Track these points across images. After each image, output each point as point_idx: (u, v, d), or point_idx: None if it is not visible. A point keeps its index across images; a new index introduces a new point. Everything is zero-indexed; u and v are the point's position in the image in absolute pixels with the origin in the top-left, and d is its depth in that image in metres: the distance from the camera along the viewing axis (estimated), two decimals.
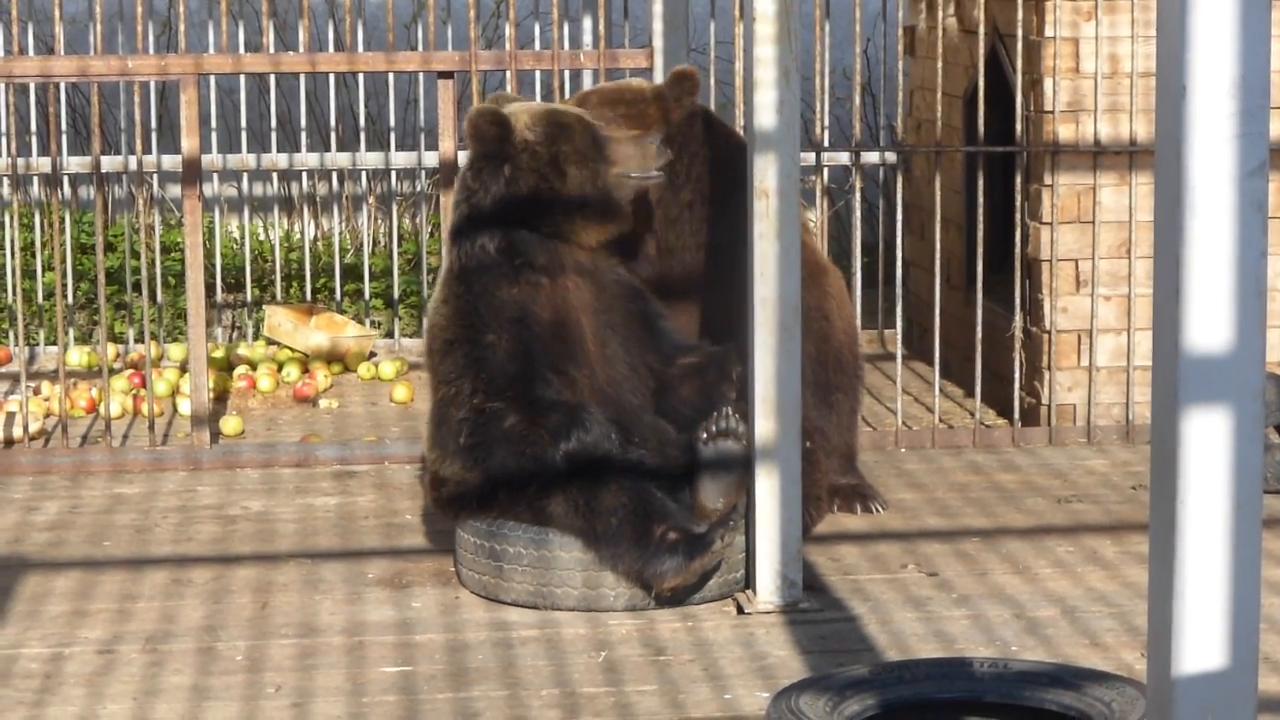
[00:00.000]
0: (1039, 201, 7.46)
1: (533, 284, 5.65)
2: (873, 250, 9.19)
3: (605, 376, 5.69)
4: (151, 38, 9.24)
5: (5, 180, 9.64)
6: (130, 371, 8.37)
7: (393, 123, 9.90)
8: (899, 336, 7.95)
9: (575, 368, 5.63)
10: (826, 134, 8.11)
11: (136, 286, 9.64)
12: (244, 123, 9.85)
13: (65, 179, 9.96)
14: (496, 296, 5.62)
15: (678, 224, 6.29)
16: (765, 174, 5.43)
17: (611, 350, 5.73)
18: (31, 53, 9.71)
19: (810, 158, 7.99)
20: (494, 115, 5.64)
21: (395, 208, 9.98)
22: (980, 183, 7.46)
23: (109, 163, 9.45)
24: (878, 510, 6.45)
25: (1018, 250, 7.53)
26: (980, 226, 7.46)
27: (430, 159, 9.56)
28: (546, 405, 5.51)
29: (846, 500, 6.45)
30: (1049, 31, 7.35)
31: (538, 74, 9.56)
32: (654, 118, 6.22)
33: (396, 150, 9.88)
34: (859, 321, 7.08)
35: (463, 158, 7.81)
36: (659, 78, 7.57)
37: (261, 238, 10.70)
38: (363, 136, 10.04)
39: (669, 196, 6.24)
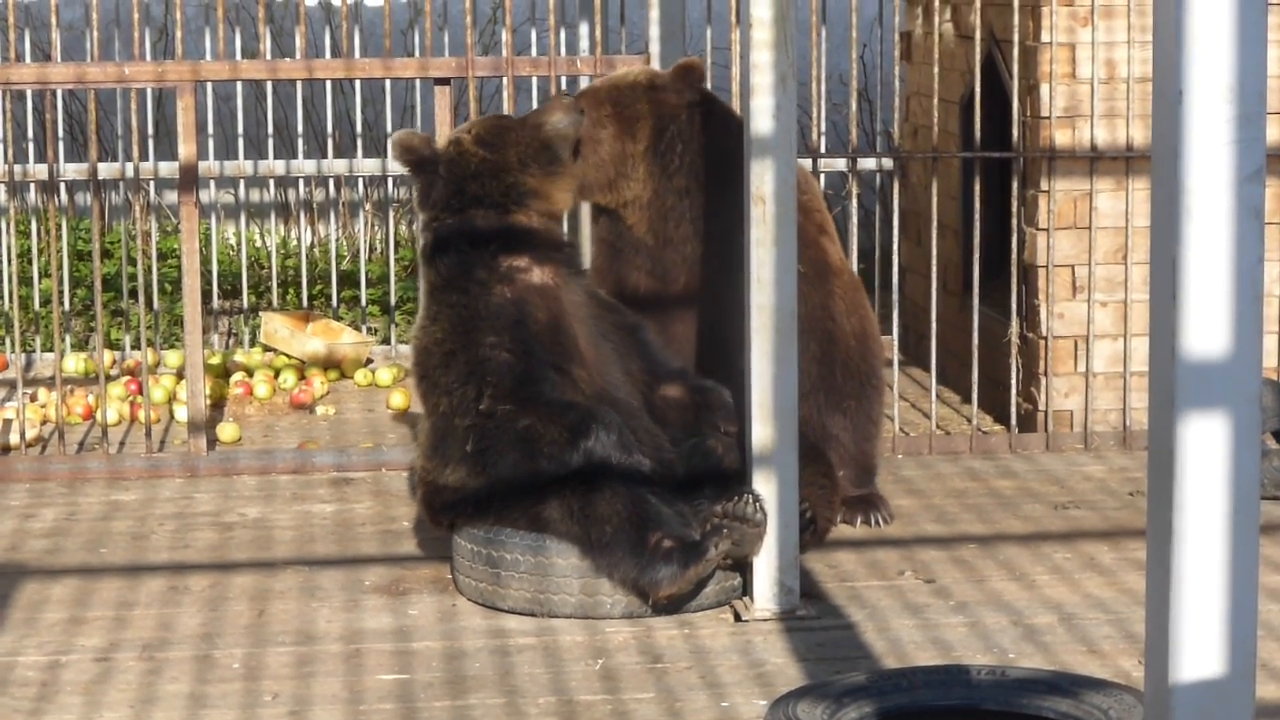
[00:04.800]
0: (1035, 207, 7.46)
1: (523, 282, 5.65)
2: (869, 256, 9.19)
3: (601, 380, 5.68)
4: (148, 44, 9.24)
5: (2, 187, 9.63)
6: (127, 378, 8.36)
7: (390, 129, 9.90)
8: (895, 343, 7.94)
9: (575, 368, 5.63)
10: (823, 140, 8.11)
11: (133, 293, 9.64)
12: (241, 129, 9.85)
13: (62, 186, 9.96)
14: (491, 300, 5.62)
15: (674, 213, 6.32)
16: (762, 180, 5.41)
17: (604, 355, 5.73)
18: (28, 59, 9.71)
19: (807, 164, 7.99)
20: (408, 134, 5.79)
21: (392, 214, 9.98)
22: (977, 188, 7.46)
23: (106, 169, 9.44)
24: (877, 523, 6.39)
25: (1014, 256, 7.53)
26: (977, 232, 7.45)
27: None
28: (561, 405, 5.50)
29: (851, 511, 6.41)
30: (1045, 37, 7.35)
31: (534, 80, 9.57)
32: (643, 113, 6.28)
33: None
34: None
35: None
36: None
37: (258, 244, 10.70)
38: (359, 143, 10.04)
39: (664, 186, 6.29)
